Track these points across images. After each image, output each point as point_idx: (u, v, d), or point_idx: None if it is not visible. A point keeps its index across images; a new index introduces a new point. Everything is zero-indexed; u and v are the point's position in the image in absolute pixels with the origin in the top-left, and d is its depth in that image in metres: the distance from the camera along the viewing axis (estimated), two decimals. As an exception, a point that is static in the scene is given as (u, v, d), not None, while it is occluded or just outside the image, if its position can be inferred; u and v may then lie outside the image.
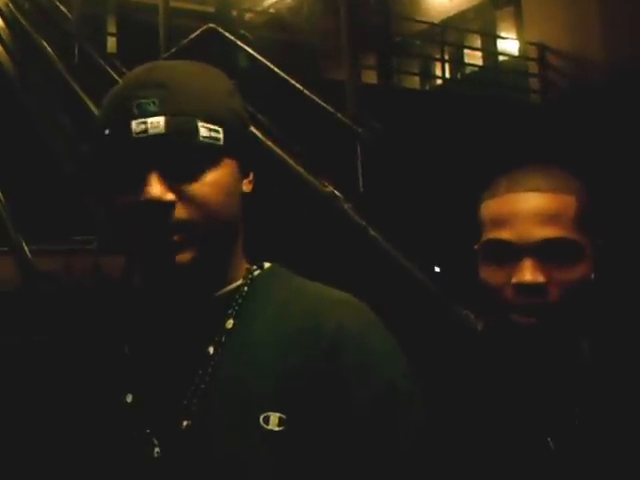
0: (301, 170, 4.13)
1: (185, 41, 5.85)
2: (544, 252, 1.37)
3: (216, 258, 1.18)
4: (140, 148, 1.09)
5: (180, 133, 1.09)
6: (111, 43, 9.34)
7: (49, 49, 5.95)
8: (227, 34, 5.36)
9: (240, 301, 1.21)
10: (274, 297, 1.23)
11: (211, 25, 5.59)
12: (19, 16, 6.58)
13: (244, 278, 1.25)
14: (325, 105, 4.86)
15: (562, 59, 11.75)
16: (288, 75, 5.29)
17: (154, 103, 1.10)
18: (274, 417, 1.07)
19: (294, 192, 4.20)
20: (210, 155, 1.13)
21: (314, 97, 4.88)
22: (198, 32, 5.72)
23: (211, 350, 1.15)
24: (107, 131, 1.12)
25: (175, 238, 1.09)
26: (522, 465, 1.38)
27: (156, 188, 1.07)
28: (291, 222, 4.38)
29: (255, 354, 1.14)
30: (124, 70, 6.51)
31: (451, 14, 13.88)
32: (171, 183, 1.09)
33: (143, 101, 1.10)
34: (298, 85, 5.12)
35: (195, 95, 1.13)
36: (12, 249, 3.74)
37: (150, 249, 1.10)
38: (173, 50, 5.96)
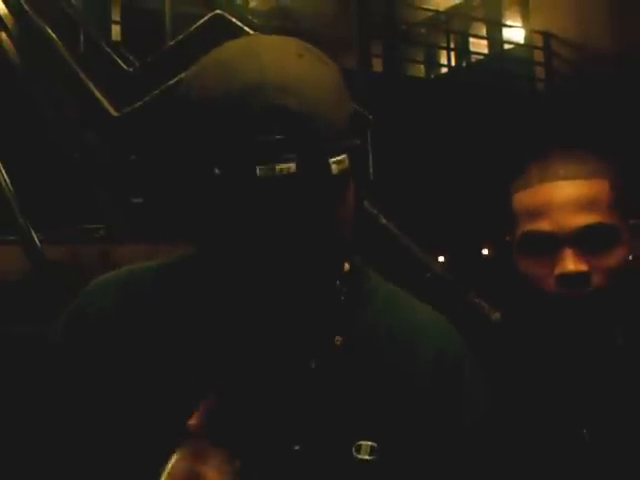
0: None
1: (192, 28, 5.80)
2: (583, 240, 1.35)
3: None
4: (263, 189, 0.93)
5: (311, 177, 0.94)
6: (115, 31, 9.28)
7: (54, 36, 5.92)
8: (234, 20, 5.31)
9: (342, 311, 1.13)
10: (372, 308, 1.16)
11: (218, 12, 5.55)
12: (23, 3, 6.55)
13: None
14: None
15: (568, 48, 11.71)
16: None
17: (280, 142, 0.92)
18: (366, 445, 1.05)
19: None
20: (338, 187, 0.99)
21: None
22: (205, 19, 5.67)
23: (313, 365, 1.08)
24: (217, 170, 0.93)
25: None
26: (557, 457, 1.36)
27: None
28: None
29: (354, 376, 1.09)
30: (131, 58, 6.50)
31: (456, 2, 13.85)
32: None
33: (267, 139, 0.92)
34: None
35: (323, 125, 0.95)
36: (21, 237, 3.72)
37: None
38: (180, 37, 5.93)
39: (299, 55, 0.99)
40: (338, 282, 1.14)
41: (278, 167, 0.92)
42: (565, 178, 1.39)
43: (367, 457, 1.04)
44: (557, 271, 1.35)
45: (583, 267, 1.34)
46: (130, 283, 1.17)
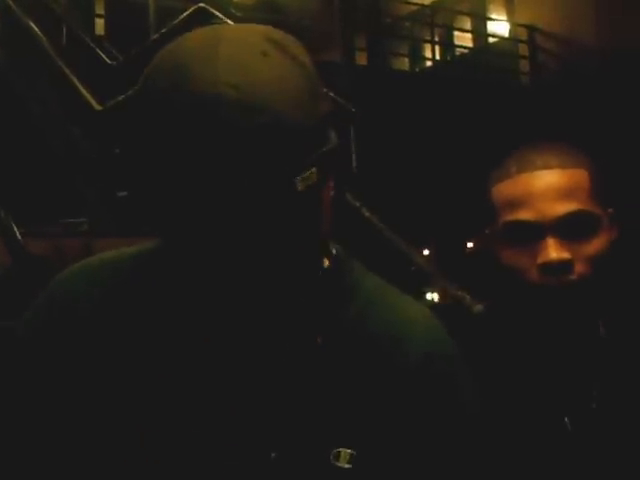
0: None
1: (175, 21, 5.79)
2: (564, 228, 1.36)
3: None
4: (221, 205, 0.88)
5: (274, 197, 0.88)
6: (99, 25, 9.23)
7: (37, 30, 5.89)
8: (217, 13, 5.30)
9: (322, 308, 1.06)
10: (353, 305, 1.08)
11: (201, 5, 5.54)
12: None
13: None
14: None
15: (552, 41, 11.74)
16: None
17: (239, 164, 0.86)
18: (344, 453, 0.99)
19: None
20: (305, 198, 0.91)
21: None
22: (188, 12, 5.66)
23: (292, 367, 1.02)
24: (173, 180, 0.88)
25: None
26: (539, 446, 1.37)
27: None
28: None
29: (333, 378, 1.03)
30: (114, 52, 6.48)
31: (441, -5, 13.84)
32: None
33: (223, 162, 0.86)
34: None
35: (287, 142, 0.88)
36: (2, 231, 3.71)
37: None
38: (164, 31, 5.91)
39: (264, 54, 0.90)
40: (317, 279, 1.07)
41: (235, 191, 0.86)
42: (543, 168, 1.39)
43: (346, 465, 0.98)
44: (540, 260, 1.35)
45: (565, 255, 1.34)
46: (102, 270, 1.14)
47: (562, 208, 1.36)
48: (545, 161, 1.40)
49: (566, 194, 1.37)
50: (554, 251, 1.34)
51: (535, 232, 1.37)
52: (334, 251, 1.13)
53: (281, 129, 0.87)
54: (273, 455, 0.98)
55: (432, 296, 3.34)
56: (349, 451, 0.99)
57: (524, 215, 1.38)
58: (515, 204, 1.40)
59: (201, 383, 1.01)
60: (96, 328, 1.07)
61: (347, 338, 1.05)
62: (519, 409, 1.40)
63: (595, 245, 1.37)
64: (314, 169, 0.90)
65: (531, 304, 1.40)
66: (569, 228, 1.36)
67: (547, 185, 1.38)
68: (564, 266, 1.35)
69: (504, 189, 1.43)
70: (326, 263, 1.10)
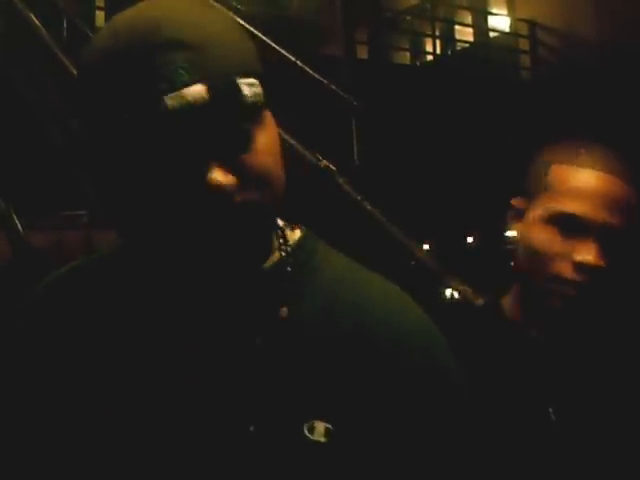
0: (295, 144, 4.09)
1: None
2: (608, 237, 1.38)
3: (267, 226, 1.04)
4: (176, 126, 0.89)
5: (225, 99, 0.90)
6: (99, 17, 9.21)
7: (38, 23, 5.89)
8: (218, 5, 5.29)
9: (288, 282, 1.05)
10: (321, 281, 1.07)
11: (202, -3, 5.52)
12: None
13: (280, 247, 1.08)
14: (320, 78, 4.82)
15: (553, 36, 11.74)
16: (280, 48, 5.24)
17: (184, 69, 0.89)
18: (319, 426, 0.96)
19: (288, 166, 4.17)
20: (255, 115, 0.95)
21: (308, 69, 4.85)
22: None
23: (259, 341, 1.00)
24: (125, 115, 0.89)
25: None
26: (523, 435, 1.39)
27: (217, 173, 0.90)
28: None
29: (304, 351, 1.01)
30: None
31: (442, -11, 13.82)
32: (226, 162, 0.92)
33: (169, 69, 0.88)
34: (291, 57, 5.07)
35: (226, 51, 0.93)
36: (3, 224, 3.71)
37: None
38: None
39: (188, 4, 0.98)
40: (284, 253, 1.07)
41: (186, 93, 0.88)
42: (617, 175, 1.41)
43: (322, 439, 0.96)
44: (579, 258, 1.37)
45: (602, 262, 1.37)
46: (73, 277, 1.14)
47: (616, 219, 1.38)
48: (620, 169, 1.42)
49: (624, 209, 1.39)
50: (594, 255, 1.37)
51: (581, 228, 1.38)
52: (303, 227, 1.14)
53: (221, 41, 0.94)
54: (251, 429, 0.96)
55: (451, 292, 3.33)
56: (324, 425, 0.96)
57: (580, 210, 1.39)
58: (575, 196, 1.40)
59: (176, 363, 1.00)
60: (78, 329, 1.07)
61: (315, 310, 1.04)
62: (503, 398, 1.42)
63: (621, 259, 1.41)
64: (257, 81, 0.94)
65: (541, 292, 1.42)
66: (610, 239, 1.38)
67: (614, 193, 1.39)
68: (596, 270, 1.37)
69: (569, 175, 1.43)
70: (297, 234, 1.11)
